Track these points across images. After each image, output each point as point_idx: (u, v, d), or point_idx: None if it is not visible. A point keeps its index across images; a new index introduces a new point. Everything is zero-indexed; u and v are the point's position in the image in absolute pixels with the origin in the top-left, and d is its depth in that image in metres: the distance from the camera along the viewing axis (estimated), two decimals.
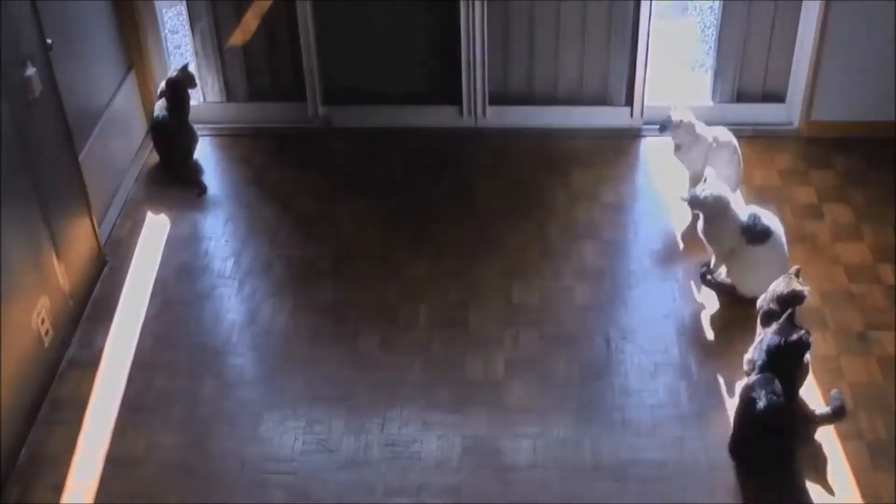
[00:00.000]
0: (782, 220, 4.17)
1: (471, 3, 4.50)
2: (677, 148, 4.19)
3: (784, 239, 3.75)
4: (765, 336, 3.28)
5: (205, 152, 4.77)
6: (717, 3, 4.75)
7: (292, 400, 3.53)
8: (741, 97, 4.77)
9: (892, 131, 4.52)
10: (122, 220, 4.32)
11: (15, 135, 3.38)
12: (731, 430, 3.30)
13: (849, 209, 4.25)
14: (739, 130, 4.50)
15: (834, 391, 3.33)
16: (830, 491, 3.15)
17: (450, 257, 4.10)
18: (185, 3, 4.76)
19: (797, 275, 3.41)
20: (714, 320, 3.78)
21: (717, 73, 4.76)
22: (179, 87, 4.58)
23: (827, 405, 3.32)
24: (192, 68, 4.63)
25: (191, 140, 4.66)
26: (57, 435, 3.41)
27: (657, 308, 3.83)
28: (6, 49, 3.34)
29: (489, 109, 4.79)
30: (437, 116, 4.83)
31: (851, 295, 3.84)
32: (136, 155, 4.67)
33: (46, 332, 3.57)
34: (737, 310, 3.78)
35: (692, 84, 5.11)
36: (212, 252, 4.16)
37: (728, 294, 3.84)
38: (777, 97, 4.75)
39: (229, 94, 4.91)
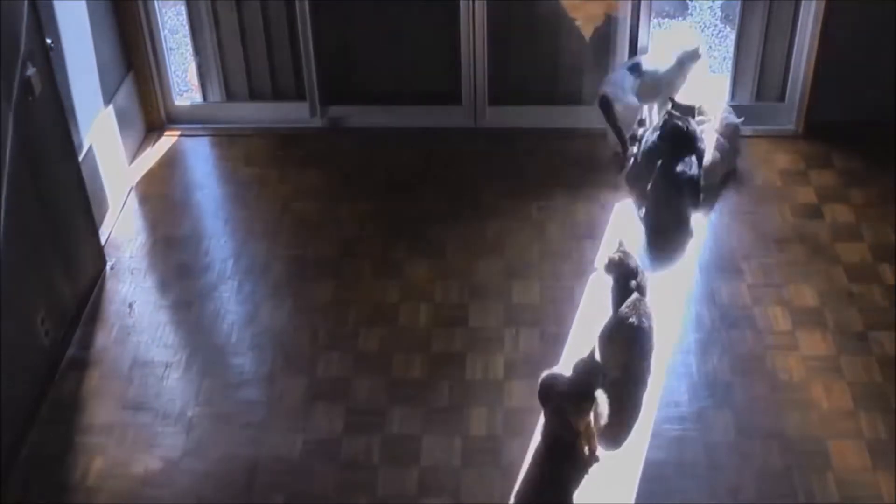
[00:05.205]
0: (782, 219, 4.19)
1: (471, 3, 4.50)
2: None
3: None
4: None
5: (205, 152, 4.77)
6: (716, 3, 4.74)
7: (292, 400, 3.53)
8: (741, 97, 4.77)
9: (892, 131, 4.51)
10: (123, 220, 4.32)
11: (15, 135, 3.38)
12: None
13: (849, 209, 4.25)
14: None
15: None
16: (830, 491, 3.15)
17: (450, 257, 4.09)
18: (185, 3, 4.76)
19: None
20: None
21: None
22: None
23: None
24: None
25: None
26: (57, 435, 3.42)
27: (657, 308, 3.81)
28: (6, 49, 3.34)
29: (489, 109, 4.78)
30: (438, 116, 4.83)
31: (851, 295, 3.84)
32: (136, 154, 4.67)
33: (46, 332, 3.57)
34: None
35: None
36: (212, 252, 4.16)
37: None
38: (777, 97, 4.75)
39: (229, 94, 4.90)
